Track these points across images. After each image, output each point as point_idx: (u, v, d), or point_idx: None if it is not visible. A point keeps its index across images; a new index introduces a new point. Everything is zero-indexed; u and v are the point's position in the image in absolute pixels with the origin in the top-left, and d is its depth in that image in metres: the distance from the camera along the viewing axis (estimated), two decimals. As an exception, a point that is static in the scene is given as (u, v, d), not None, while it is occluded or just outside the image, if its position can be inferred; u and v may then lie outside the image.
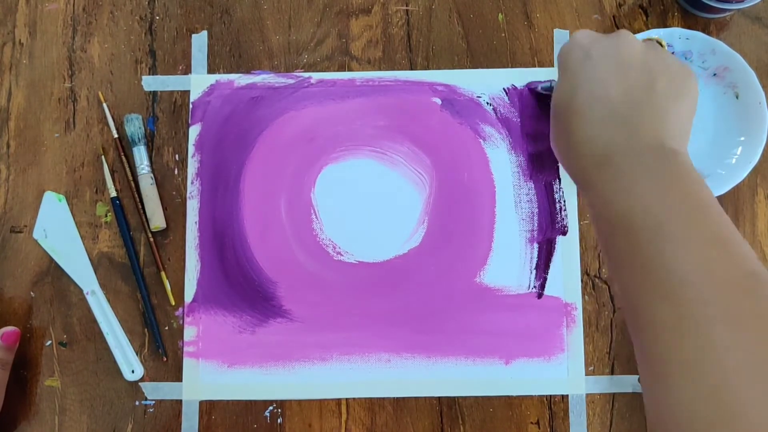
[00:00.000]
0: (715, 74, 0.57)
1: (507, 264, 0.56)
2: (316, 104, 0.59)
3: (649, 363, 0.33)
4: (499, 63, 0.59)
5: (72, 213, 0.58)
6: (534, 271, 0.56)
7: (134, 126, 0.58)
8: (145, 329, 0.56)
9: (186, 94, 0.59)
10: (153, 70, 0.60)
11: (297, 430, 0.55)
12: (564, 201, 0.57)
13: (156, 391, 0.55)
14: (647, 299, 0.34)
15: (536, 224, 0.57)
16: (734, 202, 0.57)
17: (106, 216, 0.58)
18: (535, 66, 0.59)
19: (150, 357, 0.56)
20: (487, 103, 0.58)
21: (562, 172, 0.57)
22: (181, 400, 0.55)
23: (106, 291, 0.57)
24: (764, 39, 0.59)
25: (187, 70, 0.60)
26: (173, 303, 0.57)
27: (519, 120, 0.58)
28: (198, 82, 0.59)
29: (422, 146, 0.58)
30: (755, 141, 0.55)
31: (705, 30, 0.58)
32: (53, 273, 0.57)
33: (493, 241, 0.57)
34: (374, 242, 0.57)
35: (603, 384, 0.55)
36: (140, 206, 0.57)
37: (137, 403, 0.55)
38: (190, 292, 0.57)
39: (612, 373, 0.55)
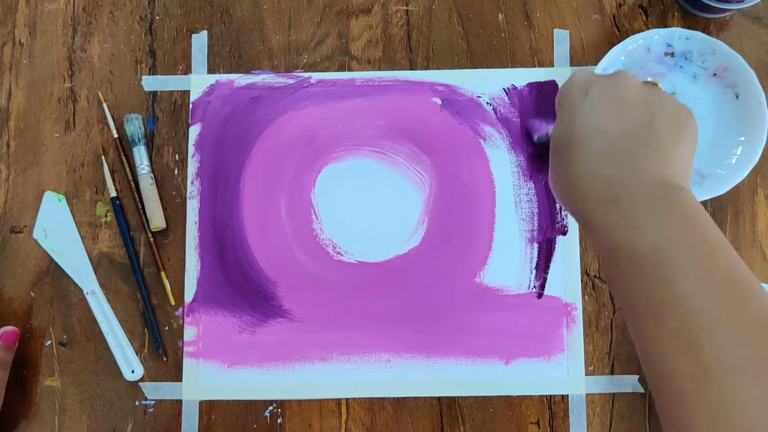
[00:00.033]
0: (715, 74, 0.57)
1: (507, 264, 0.56)
2: (316, 104, 0.59)
3: (671, 414, 0.32)
4: (499, 63, 0.59)
5: (72, 213, 0.58)
6: (534, 271, 0.56)
7: (134, 126, 0.58)
8: (145, 329, 0.56)
9: (186, 94, 0.59)
10: (153, 70, 0.60)
11: (297, 430, 0.55)
12: (565, 209, 0.57)
13: (156, 391, 0.55)
14: (665, 349, 0.32)
15: (536, 224, 0.57)
16: (734, 202, 0.57)
17: (106, 216, 0.58)
18: (535, 66, 0.59)
19: (150, 357, 0.56)
20: (487, 103, 0.58)
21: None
22: (181, 400, 0.55)
23: (106, 291, 0.57)
24: (764, 39, 0.59)
25: (187, 70, 0.60)
26: (173, 303, 0.57)
27: (519, 120, 0.58)
28: (198, 82, 0.59)
29: (422, 146, 0.58)
30: (755, 141, 0.55)
31: (705, 30, 0.58)
32: (53, 273, 0.57)
33: (493, 241, 0.57)
34: (374, 242, 0.57)
35: (603, 384, 0.55)
36: (140, 206, 0.57)
37: (137, 403, 0.55)
38: (190, 292, 0.57)
39: (612, 373, 0.55)
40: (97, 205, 0.58)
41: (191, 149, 0.58)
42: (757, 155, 0.54)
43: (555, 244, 0.56)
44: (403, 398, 0.55)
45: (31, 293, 0.57)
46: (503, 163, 0.58)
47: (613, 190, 0.37)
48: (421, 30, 0.60)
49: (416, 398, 0.55)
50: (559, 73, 0.59)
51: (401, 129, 0.58)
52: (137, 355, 0.56)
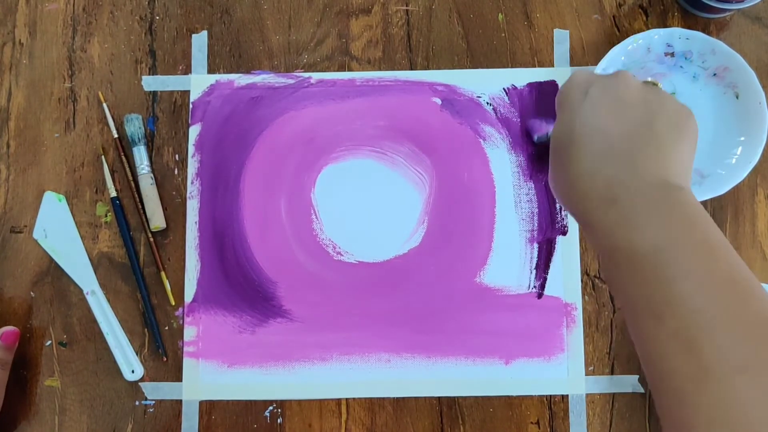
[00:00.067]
0: (715, 74, 0.57)
1: (507, 264, 0.56)
2: (316, 104, 0.59)
3: (671, 414, 0.32)
4: (499, 63, 0.59)
5: (72, 213, 0.58)
6: (534, 271, 0.56)
7: (134, 126, 0.58)
8: (145, 329, 0.56)
9: (186, 94, 0.59)
10: (153, 70, 0.60)
11: (297, 430, 0.55)
12: (565, 209, 0.57)
13: (156, 391, 0.55)
14: (665, 349, 0.33)
15: (536, 224, 0.57)
16: (734, 202, 0.57)
17: (106, 216, 0.58)
18: (535, 66, 0.59)
19: (150, 357, 0.56)
20: (487, 103, 0.58)
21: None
22: (181, 400, 0.55)
23: (106, 291, 0.57)
24: (764, 39, 0.59)
25: (187, 70, 0.60)
26: (173, 303, 0.57)
27: (519, 120, 0.58)
28: (198, 82, 0.59)
29: (422, 146, 0.58)
30: (755, 141, 0.55)
31: (705, 30, 0.58)
32: (53, 273, 0.57)
33: (493, 241, 0.57)
34: (374, 242, 0.57)
35: (603, 384, 0.55)
36: (140, 206, 0.57)
37: (137, 403, 0.55)
38: (190, 292, 0.57)
39: (612, 373, 0.55)
40: (97, 205, 0.58)
41: (191, 149, 0.58)
42: (757, 155, 0.54)
43: (555, 244, 0.56)
44: (403, 398, 0.55)
45: (31, 293, 0.57)
46: (503, 163, 0.58)
47: (613, 190, 0.37)
48: (421, 30, 0.60)
49: (416, 398, 0.55)
50: (559, 73, 0.59)
51: (401, 129, 0.58)
52: (137, 355, 0.56)
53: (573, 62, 0.59)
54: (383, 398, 0.55)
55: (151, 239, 0.57)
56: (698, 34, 0.56)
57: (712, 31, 0.59)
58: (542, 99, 0.58)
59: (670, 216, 0.35)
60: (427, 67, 0.60)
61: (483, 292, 0.56)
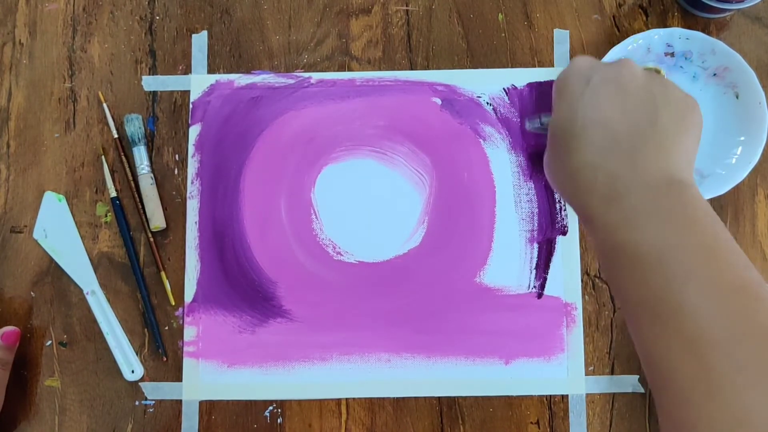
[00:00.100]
0: (715, 74, 0.57)
1: (507, 264, 0.56)
2: (316, 104, 0.59)
3: (671, 414, 0.32)
4: (499, 63, 0.59)
5: (72, 213, 0.58)
6: (534, 271, 0.56)
7: (134, 126, 0.58)
8: (145, 329, 0.56)
9: (186, 94, 0.59)
10: (153, 70, 0.60)
11: (297, 430, 0.55)
12: (564, 201, 0.57)
13: (156, 391, 0.55)
14: (666, 349, 0.32)
15: (536, 224, 0.57)
16: (734, 202, 0.57)
17: (106, 216, 0.58)
18: (535, 66, 0.59)
19: (150, 357, 0.56)
20: (487, 103, 0.58)
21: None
22: (181, 400, 0.55)
23: (106, 291, 0.57)
24: (764, 39, 0.59)
25: (187, 70, 0.60)
26: (173, 303, 0.57)
27: (519, 120, 0.58)
28: (198, 82, 0.59)
29: (422, 146, 0.58)
30: (755, 141, 0.55)
31: (705, 30, 0.58)
32: (53, 273, 0.57)
33: (493, 241, 0.57)
34: (374, 242, 0.57)
35: (603, 384, 0.55)
36: (140, 206, 0.57)
37: (137, 403, 0.55)
38: (190, 292, 0.57)
39: (612, 373, 0.55)
40: (97, 205, 0.58)
41: (191, 149, 0.58)
42: (757, 155, 0.54)
43: (555, 244, 0.56)
44: (403, 398, 0.55)
45: (32, 293, 0.57)
46: (503, 163, 0.58)
47: (615, 187, 0.37)
48: (421, 30, 0.60)
49: (416, 398, 0.55)
50: (559, 73, 0.59)
51: (401, 129, 0.58)
52: (137, 355, 0.56)
53: (573, 62, 0.59)
54: (383, 398, 0.55)
55: (151, 239, 0.57)
56: (698, 34, 0.56)
57: (712, 31, 0.59)
58: (542, 99, 0.58)
59: (672, 215, 0.35)
60: (427, 67, 0.60)
61: (483, 292, 0.56)
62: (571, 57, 0.59)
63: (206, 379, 0.55)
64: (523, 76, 0.59)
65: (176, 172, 0.58)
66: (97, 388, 0.56)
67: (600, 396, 0.55)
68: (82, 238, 0.57)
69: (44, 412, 0.55)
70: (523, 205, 0.57)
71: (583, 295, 0.56)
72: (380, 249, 0.57)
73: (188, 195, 0.58)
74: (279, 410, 0.55)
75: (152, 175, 0.58)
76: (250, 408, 0.55)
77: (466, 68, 0.59)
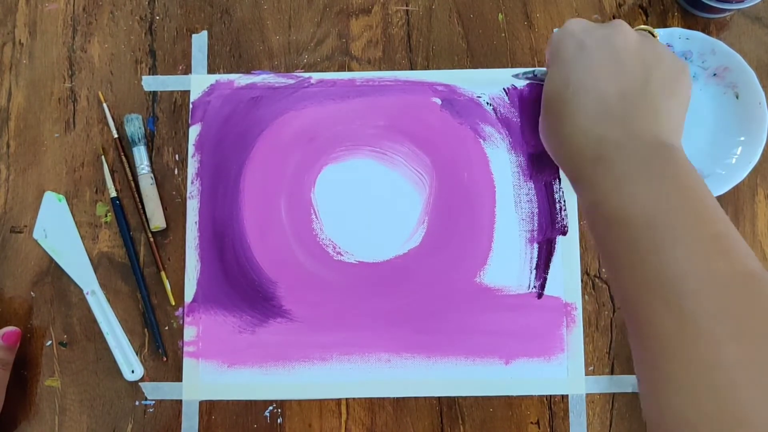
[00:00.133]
0: (715, 74, 0.57)
1: (507, 264, 0.56)
2: (316, 104, 0.59)
3: (652, 371, 0.33)
4: (499, 63, 0.59)
5: (72, 213, 0.58)
6: (534, 271, 0.56)
7: (134, 126, 0.58)
8: (145, 329, 0.56)
9: (186, 94, 0.59)
10: (153, 70, 0.60)
11: (297, 430, 0.55)
12: (564, 201, 0.57)
13: (156, 391, 0.56)
14: (647, 304, 0.33)
15: (536, 224, 0.57)
16: (734, 202, 0.57)
17: (106, 216, 0.58)
18: (535, 66, 0.59)
19: (150, 357, 0.56)
20: (487, 103, 0.58)
21: (562, 172, 0.57)
22: (181, 400, 0.55)
23: (106, 291, 0.57)
24: (764, 39, 0.59)
25: (187, 70, 0.60)
26: (173, 303, 0.57)
27: (519, 120, 0.58)
28: (198, 82, 0.59)
29: (422, 146, 0.58)
30: (755, 141, 0.55)
31: (705, 30, 0.58)
32: (53, 273, 0.57)
33: (493, 241, 0.57)
34: (374, 242, 0.57)
35: (603, 384, 0.55)
36: (140, 206, 0.57)
37: (137, 403, 0.55)
38: (190, 292, 0.57)
39: (612, 373, 0.55)
40: (97, 205, 0.58)
41: (191, 149, 0.58)
42: (757, 155, 0.54)
43: (555, 244, 0.56)
44: (403, 398, 0.55)
45: (32, 293, 0.57)
46: (503, 163, 0.58)
47: (605, 150, 0.37)
48: (421, 30, 0.60)
49: (416, 398, 0.55)
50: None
51: (401, 129, 0.58)
52: (137, 355, 0.56)
53: (573, 62, 0.59)
54: (383, 398, 0.55)
55: (151, 239, 0.57)
56: (698, 34, 0.56)
57: (712, 31, 0.59)
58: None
59: (661, 179, 0.36)
60: (427, 67, 0.60)
61: (483, 292, 0.56)
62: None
63: (206, 379, 0.55)
64: (523, 76, 0.59)
65: (176, 172, 0.58)
66: (97, 388, 0.56)
67: (600, 396, 0.55)
68: (82, 238, 0.57)
69: (44, 412, 0.55)
70: (523, 205, 0.57)
71: (583, 295, 0.56)
72: (380, 249, 0.57)
73: (188, 195, 0.58)
74: (279, 410, 0.55)
75: (152, 175, 0.58)
76: (250, 408, 0.55)
77: (466, 68, 0.59)
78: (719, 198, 0.56)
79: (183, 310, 0.56)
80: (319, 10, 0.61)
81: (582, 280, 0.56)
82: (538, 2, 0.60)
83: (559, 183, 0.57)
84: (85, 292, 0.56)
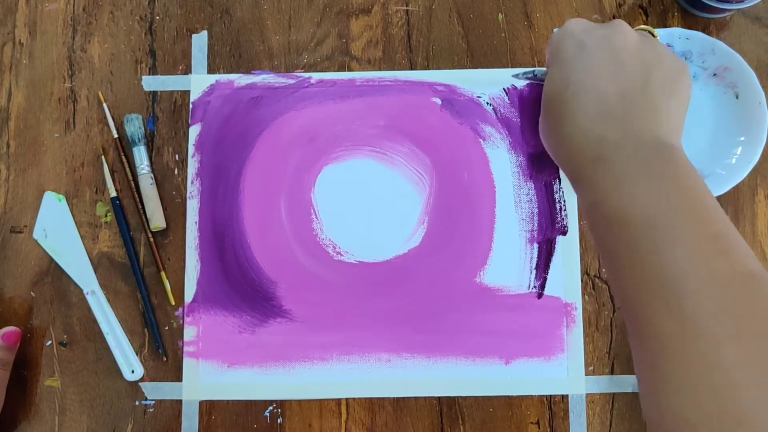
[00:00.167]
0: (715, 74, 0.57)
1: (507, 264, 0.56)
2: (316, 104, 0.59)
3: (652, 371, 0.33)
4: (499, 63, 0.59)
5: (72, 213, 0.58)
6: (534, 271, 0.56)
7: (134, 126, 0.58)
8: (145, 329, 0.56)
9: (186, 94, 0.60)
10: (153, 70, 0.60)
11: (297, 430, 0.55)
12: (564, 201, 0.57)
13: (156, 391, 0.56)
14: (647, 304, 0.33)
15: (536, 224, 0.57)
16: (734, 202, 0.57)
17: (106, 216, 0.58)
18: (535, 66, 0.59)
19: (150, 357, 0.56)
20: (487, 103, 0.58)
21: (562, 172, 0.57)
22: (181, 400, 0.55)
23: (106, 291, 0.57)
24: (764, 39, 0.59)
25: (187, 70, 0.60)
26: (173, 303, 0.57)
27: (519, 120, 0.58)
28: (198, 82, 0.59)
29: (422, 146, 0.58)
30: (755, 141, 0.55)
31: (705, 30, 0.58)
32: (53, 273, 0.57)
33: (493, 241, 0.57)
34: (374, 242, 0.57)
35: (603, 384, 0.55)
36: (140, 206, 0.57)
37: (137, 403, 0.55)
38: (190, 292, 0.57)
39: (612, 373, 0.55)
40: (97, 205, 0.58)
41: (191, 149, 0.58)
42: (757, 155, 0.54)
43: (555, 244, 0.56)
44: (403, 398, 0.55)
45: (32, 293, 0.57)
46: (503, 163, 0.58)
47: (605, 150, 0.37)
48: (421, 30, 0.60)
49: (416, 398, 0.55)
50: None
51: (401, 129, 0.58)
52: (137, 355, 0.56)
53: (573, 62, 0.59)
54: (383, 398, 0.55)
55: (151, 239, 0.57)
56: (698, 34, 0.56)
57: (712, 31, 0.59)
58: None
59: (661, 179, 0.36)
60: (427, 67, 0.60)
61: (483, 292, 0.56)
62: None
63: (206, 379, 0.55)
64: (523, 76, 0.59)
65: (176, 172, 0.58)
66: (97, 388, 0.56)
67: (600, 396, 0.55)
68: (82, 238, 0.57)
69: (44, 412, 0.55)
70: (523, 205, 0.57)
71: (583, 295, 0.56)
72: (380, 249, 0.57)
73: (188, 195, 0.58)
74: (279, 410, 0.55)
75: (152, 175, 0.58)
76: (250, 408, 0.55)
77: (466, 68, 0.59)
78: (719, 198, 0.56)
79: (183, 310, 0.56)
80: (319, 10, 0.61)
81: (582, 280, 0.56)
82: (538, 2, 0.60)
83: (559, 183, 0.57)
84: (85, 292, 0.56)
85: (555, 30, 0.60)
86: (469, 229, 0.57)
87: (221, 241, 0.57)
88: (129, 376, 0.55)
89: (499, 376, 0.55)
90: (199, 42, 0.60)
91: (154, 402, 0.55)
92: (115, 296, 0.57)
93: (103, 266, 0.57)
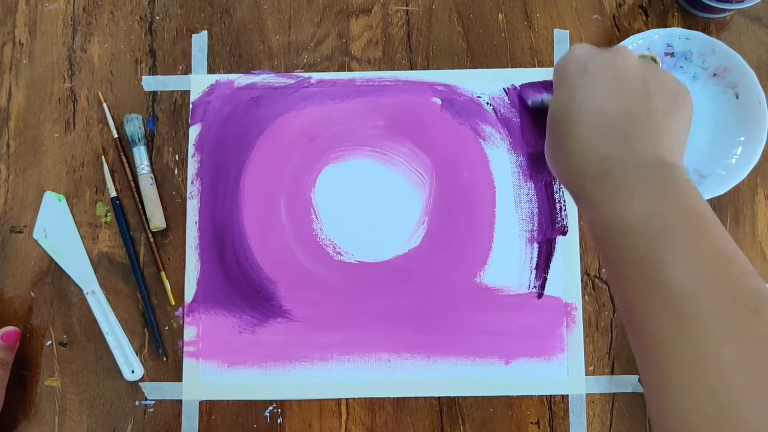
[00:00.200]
0: (715, 74, 0.57)
1: (507, 264, 0.56)
2: (316, 104, 0.59)
3: (652, 373, 0.33)
4: (499, 63, 0.59)
5: (72, 213, 0.58)
6: (534, 271, 0.56)
7: (134, 126, 0.58)
8: (145, 329, 0.56)
9: (186, 94, 0.59)
10: (153, 70, 0.60)
11: (297, 430, 0.55)
12: (564, 201, 0.57)
13: (156, 391, 0.55)
14: (649, 311, 0.33)
15: (536, 224, 0.57)
16: (734, 202, 0.57)
17: (106, 216, 0.58)
18: (535, 66, 0.59)
19: (150, 357, 0.56)
20: (487, 103, 0.58)
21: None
22: (181, 400, 0.55)
23: (106, 291, 0.57)
24: (764, 39, 0.59)
25: (187, 70, 0.60)
26: (173, 303, 0.57)
27: (519, 120, 0.58)
28: (198, 82, 0.59)
29: (422, 146, 0.58)
30: (755, 141, 0.55)
31: (705, 30, 0.58)
32: (53, 273, 0.57)
33: (493, 241, 0.57)
34: (374, 242, 0.57)
35: (603, 384, 0.55)
36: (140, 206, 0.57)
37: (137, 403, 0.55)
38: (190, 292, 0.57)
39: (612, 373, 0.55)
40: (97, 205, 0.58)
41: (191, 149, 0.58)
42: (757, 155, 0.54)
43: (555, 244, 0.56)
44: (403, 398, 0.55)
45: (31, 293, 0.57)
46: (503, 163, 0.58)
47: (608, 166, 0.38)
48: (421, 30, 0.60)
49: (416, 398, 0.55)
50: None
51: (401, 129, 0.58)
52: (137, 355, 0.56)
53: (573, 62, 0.59)
54: (383, 398, 0.55)
55: (151, 239, 0.57)
56: (698, 34, 0.56)
57: (712, 31, 0.59)
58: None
59: (660, 191, 0.36)
60: (427, 67, 0.60)
61: (483, 292, 0.56)
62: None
63: (206, 379, 0.55)
64: (523, 76, 0.59)
65: (176, 172, 0.58)
66: (97, 388, 0.56)
67: (600, 396, 0.55)
68: (82, 238, 0.57)
69: (44, 412, 0.55)
70: (523, 205, 0.57)
71: (583, 295, 0.56)
72: (380, 249, 0.57)
73: (188, 195, 0.58)
74: (279, 410, 0.55)
75: (152, 175, 0.58)
76: (250, 408, 0.55)
77: (466, 68, 0.59)
78: (719, 198, 0.56)
79: (183, 310, 0.56)
80: (319, 10, 0.61)
81: (582, 281, 0.56)
82: (538, 2, 0.60)
83: (559, 183, 0.57)
84: (85, 292, 0.56)
85: (557, 29, 0.60)
86: (469, 229, 0.57)
87: (221, 241, 0.57)
88: (129, 376, 0.55)
89: (499, 376, 0.55)
90: (199, 42, 0.60)
91: (154, 402, 0.55)
92: (115, 296, 0.57)
93: (103, 266, 0.57)
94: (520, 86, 0.55)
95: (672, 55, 0.57)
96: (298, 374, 0.55)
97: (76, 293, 0.57)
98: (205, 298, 0.56)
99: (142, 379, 0.56)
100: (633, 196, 0.36)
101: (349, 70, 0.60)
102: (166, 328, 0.56)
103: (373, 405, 0.55)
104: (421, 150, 0.58)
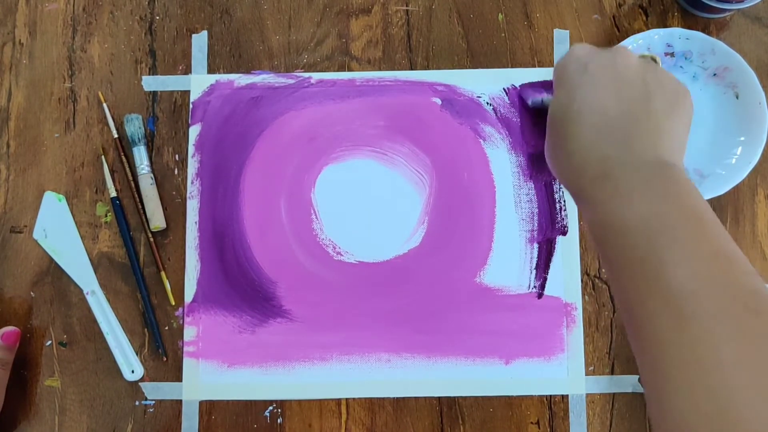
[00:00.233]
0: (715, 74, 0.57)
1: (507, 264, 0.56)
2: (316, 104, 0.59)
3: (651, 372, 0.33)
4: (499, 63, 0.59)
5: (72, 213, 0.58)
6: (534, 271, 0.56)
7: (134, 126, 0.58)
8: (145, 329, 0.56)
9: (186, 94, 0.59)
10: (153, 70, 0.60)
11: (297, 430, 0.55)
12: (564, 201, 0.57)
13: (156, 391, 0.55)
14: (649, 311, 0.33)
15: (536, 224, 0.57)
16: (734, 202, 0.57)
17: (106, 216, 0.58)
18: (535, 66, 0.59)
19: (150, 357, 0.56)
20: (487, 103, 0.58)
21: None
22: (181, 400, 0.55)
23: (106, 291, 0.57)
24: (764, 39, 0.59)
25: (187, 70, 0.60)
26: (173, 303, 0.57)
27: (519, 120, 0.58)
28: (198, 82, 0.59)
29: (422, 146, 0.58)
30: (755, 141, 0.55)
31: (705, 30, 0.58)
32: (53, 273, 0.57)
33: (493, 241, 0.57)
34: (374, 242, 0.57)
35: (603, 384, 0.55)
36: (140, 206, 0.57)
37: (137, 403, 0.55)
38: (190, 292, 0.57)
39: (612, 373, 0.55)
40: (97, 205, 0.58)
41: (191, 149, 0.58)
42: (757, 155, 0.54)
43: (555, 244, 0.56)
44: (403, 398, 0.55)
45: (31, 293, 0.57)
46: (503, 163, 0.58)
47: (608, 166, 0.38)
48: (421, 30, 0.60)
49: (416, 398, 0.55)
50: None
51: (401, 129, 0.58)
52: (137, 355, 0.56)
53: (573, 62, 0.59)
54: (383, 398, 0.55)
55: (151, 239, 0.57)
56: (698, 34, 0.56)
57: (712, 31, 0.59)
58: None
59: (660, 191, 0.36)
60: (427, 67, 0.60)
61: (483, 292, 0.56)
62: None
63: (206, 379, 0.55)
64: (523, 76, 0.59)
65: (176, 172, 0.58)
66: (97, 388, 0.56)
67: (600, 396, 0.55)
68: (82, 238, 0.57)
69: (44, 412, 0.55)
70: (523, 205, 0.57)
71: (583, 295, 0.56)
72: (380, 249, 0.57)
73: (188, 195, 0.58)
74: (279, 410, 0.55)
75: (152, 175, 0.58)
76: (250, 408, 0.55)
77: (466, 68, 0.59)
78: (719, 198, 0.56)
79: (183, 310, 0.56)
80: (319, 10, 0.61)
81: (582, 281, 0.56)
82: (538, 2, 0.60)
83: (559, 183, 0.57)
84: (85, 292, 0.56)
85: (557, 29, 0.60)
86: (469, 229, 0.57)
87: (221, 241, 0.57)
88: (129, 376, 0.55)
89: (499, 376, 0.55)
90: (199, 42, 0.60)
91: (154, 402, 0.55)
92: (115, 296, 0.57)
93: (103, 266, 0.57)
94: (520, 86, 0.55)
95: (672, 55, 0.57)
96: (298, 374, 0.55)
97: (76, 293, 0.57)
98: (205, 298, 0.56)
99: (142, 379, 0.56)
100: (633, 196, 0.36)
101: (349, 70, 0.60)
102: (166, 328, 0.56)
103: (373, 405, 0.55)
104: (421, 150, 0.58)
